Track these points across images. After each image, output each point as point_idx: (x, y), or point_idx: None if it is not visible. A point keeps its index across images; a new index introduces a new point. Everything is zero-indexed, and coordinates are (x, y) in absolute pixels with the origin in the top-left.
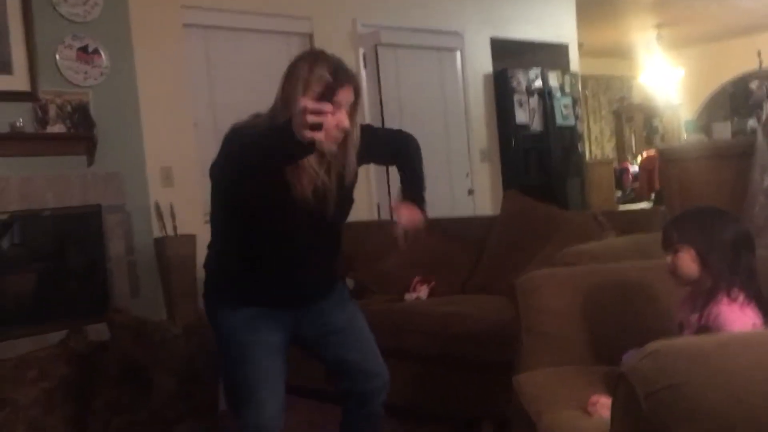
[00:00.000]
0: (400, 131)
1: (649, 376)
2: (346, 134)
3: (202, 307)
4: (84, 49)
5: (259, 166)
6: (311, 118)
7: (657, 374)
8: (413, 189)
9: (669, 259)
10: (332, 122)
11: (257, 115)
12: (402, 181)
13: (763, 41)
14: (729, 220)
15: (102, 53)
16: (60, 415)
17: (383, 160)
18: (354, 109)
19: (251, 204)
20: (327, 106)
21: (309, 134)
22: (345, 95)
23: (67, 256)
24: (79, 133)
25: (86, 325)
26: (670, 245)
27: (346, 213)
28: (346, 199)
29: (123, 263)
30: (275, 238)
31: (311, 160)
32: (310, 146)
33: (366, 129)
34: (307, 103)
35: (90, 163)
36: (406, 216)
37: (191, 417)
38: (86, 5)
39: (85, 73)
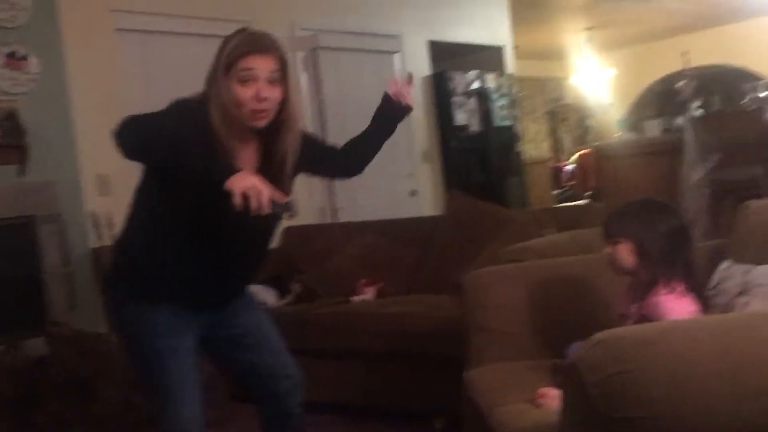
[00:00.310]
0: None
1: (598, 365)
2: (285, 107)
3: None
4: (12, 56)
5: (178, 168)
6: (253, 197)
7: (605, 362)
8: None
9: (608, 249)
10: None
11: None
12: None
13: (688, 41)
14: (669, 213)
15: (31, 59)
16: None
17: (326, 162)
18: (285, 79)
19: (185, 188)
20: (267, 207)
21: (238, 198)
22: (259, 63)
23: (0, 269)
24: (10, 142)
25: (23, 339)
26: (610, 237)
27: None
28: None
29: (59, 275)
30: (212, 227)
31: (256, 145)
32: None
33: (306, 135)
34: (263, 191)
35: (22, 172)
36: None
37: (137, 428)
38: (13, 10)
39: (14, 80)
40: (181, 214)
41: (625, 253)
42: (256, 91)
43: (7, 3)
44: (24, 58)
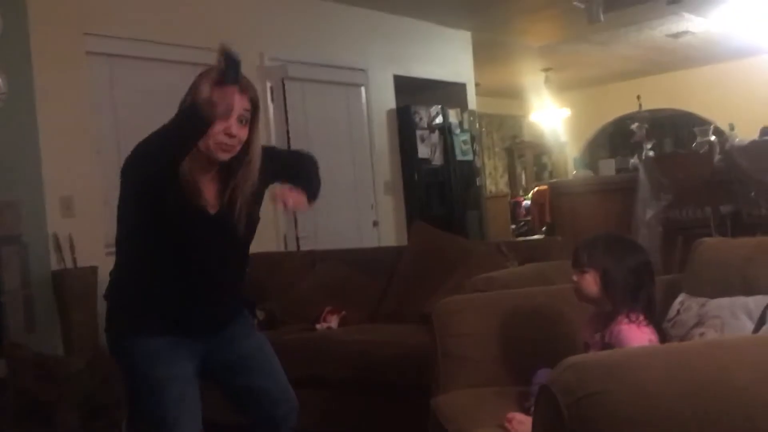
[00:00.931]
0: (299, 152)
1: (570, 387)
2: (249, 148)
3: (105, 342)
4: None
5: (164, 149)
6: (219, 104)
7: (577, 384)
8: (306, 184)
9: (575, 277)
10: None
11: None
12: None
13: (641, 85)
14: (636, 250)
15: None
16: None
17: (284, 180)
18: (253, 122)
19: (165, 214)
20: (231, 90)
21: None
22: (235, 98)
23: None
24: None
25: None
26: (578, 265)
27: (253, 230)
28: (252, 215)
29: (18, 297)
30: (190, 256)
31: (216, 176)
32: (208, 121)
33: (267, 150)
34: (211, 93)
35: None
36: (294, 198)
37: None
38: None
39: None
40: (161, 242)
41: (591, 282)
42: (226, 126)
43: None
44: None
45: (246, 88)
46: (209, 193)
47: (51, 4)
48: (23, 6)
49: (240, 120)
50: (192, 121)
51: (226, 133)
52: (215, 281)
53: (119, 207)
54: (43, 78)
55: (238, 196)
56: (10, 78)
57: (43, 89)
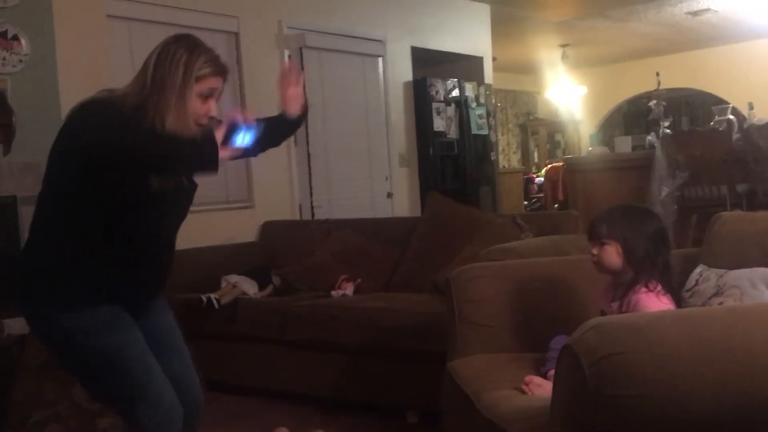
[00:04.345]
0: None
1: (593, 347)
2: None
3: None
4: (3, 35)
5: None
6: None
7: (599, 345)
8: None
9: (595, 251)
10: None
11: (110, 91)
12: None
13: (658, 64)
14: (651, 217)
15: (22, 40)
16: None
17: None
18: (219, 94)
19: (150, 188)
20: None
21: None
22: (220, 83)
23: None
24: None
25: (2, 318)
26: (597, 238)
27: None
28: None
29: None
30: (159, 222)
31: None
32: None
33: None
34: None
35: (6, 152)
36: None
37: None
38: None
39: (3, 59)
40: (113, 207)
41: (614, 254)
42: (209, 108)
43: None
44: (15, 38)
45: (227, 71)
46: None
47: None
48: None
49: (217, 98)
50: (209, 165)
51: (207, 115)
52: (162, 249)
53: (64, 162)
54: (64, 40)
55: None
56: (32, 40)
57: (64, 52)
